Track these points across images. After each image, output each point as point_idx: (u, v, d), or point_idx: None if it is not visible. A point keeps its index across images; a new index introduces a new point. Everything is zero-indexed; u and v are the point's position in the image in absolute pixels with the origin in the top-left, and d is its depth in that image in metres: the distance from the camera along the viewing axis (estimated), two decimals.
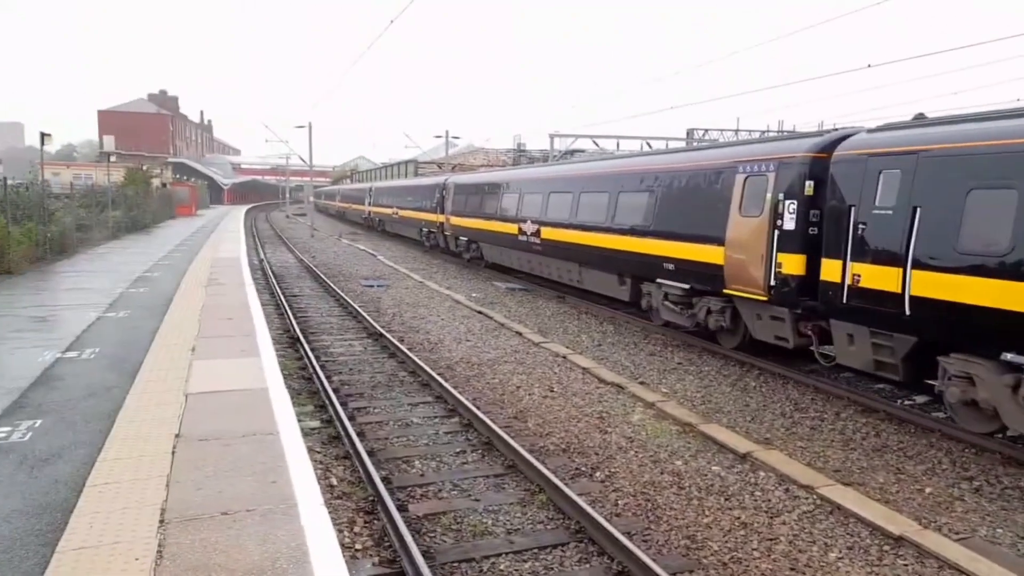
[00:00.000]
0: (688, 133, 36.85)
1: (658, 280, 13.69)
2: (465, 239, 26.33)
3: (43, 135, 21.67)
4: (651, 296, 14.32)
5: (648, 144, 35.48)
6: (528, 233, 19.53)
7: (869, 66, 17.32)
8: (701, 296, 12.68)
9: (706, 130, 37.09)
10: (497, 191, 22.66)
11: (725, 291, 11.67)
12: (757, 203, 10.98)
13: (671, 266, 13.11)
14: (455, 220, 27.05)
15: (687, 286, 12.84)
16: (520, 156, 45.36)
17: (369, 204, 47.55)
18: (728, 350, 12.57)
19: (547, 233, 18.43)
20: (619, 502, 6.76)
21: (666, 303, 13.60)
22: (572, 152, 37.71)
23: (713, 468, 7.54)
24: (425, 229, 32.37)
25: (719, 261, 11.67)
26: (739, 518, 6.42)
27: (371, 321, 14.75)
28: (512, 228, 20.65)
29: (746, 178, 11.33)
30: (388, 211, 41.45)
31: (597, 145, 37.34)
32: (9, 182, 20.59)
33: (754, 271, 10.87)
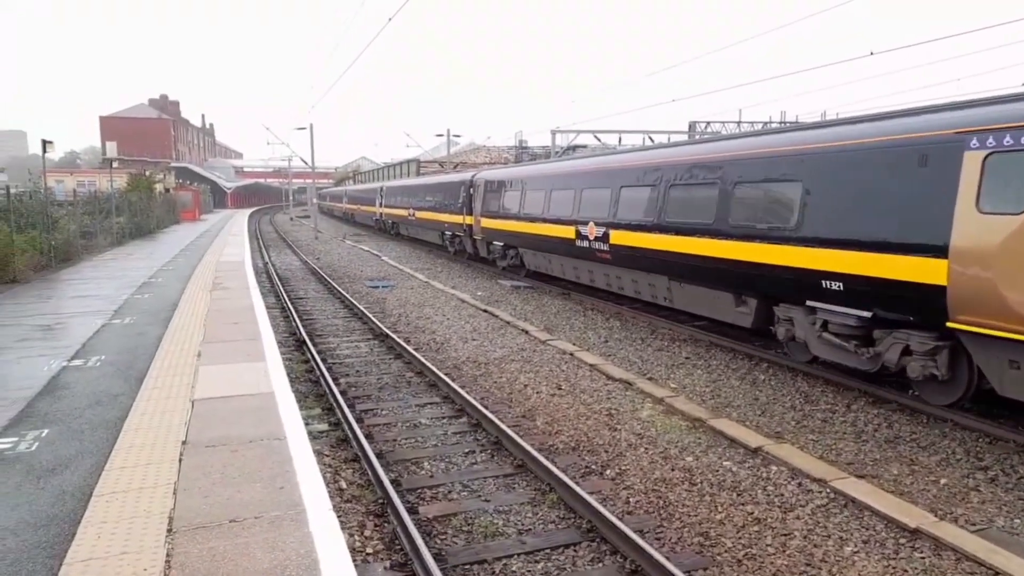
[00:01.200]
0: (691, 126, 36.69)
1: (809, 303, 10.17)
2: (500, 244, 22.77)
3: (45, 143, 21.67)
4: (794, 324, 10.80)
5: (650, 138, 35.30)
6: (591, 237, 16.01)
7: (872, 53, 17.18)
8: (890, 328, 9.21)
9: (708, 122, 36.94)
10: (544, 187, 19.05)
11: (949, 324, 8.13)
12: (1018, 193, 7.46)
13: (836, 284, 9.46)
14: (487, 222, 23.41)
15: (866, 313, 9.26)
16: (522, 153, 45.32)
17: (381, 205, 44.08)
18: (897, 393, 9.73)
19: (619, 237, 14.86)
20: (630, 500, 6.70)
21: (825, 335, 10.06)
22: (574, 148, 37.53)
23: (724, 463, 7.47)
24: (448, 233, 28.66)
25: (936, 280, 8.11)
26: (752, 513, 6.35)
27: (377, 322, 14.71)
28: (566, 231, 17.22)
29: (989, 155, 7.72)
30: (403, 213, 37.67)
31: (599, 140, 37.18)
32: (12, 190, 20.62)
33: (1015, 296, 7.39)
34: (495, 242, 23.26)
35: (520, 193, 20.60)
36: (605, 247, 15.52)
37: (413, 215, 34.95)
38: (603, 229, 15.52)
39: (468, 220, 25.61)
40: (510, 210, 21.25)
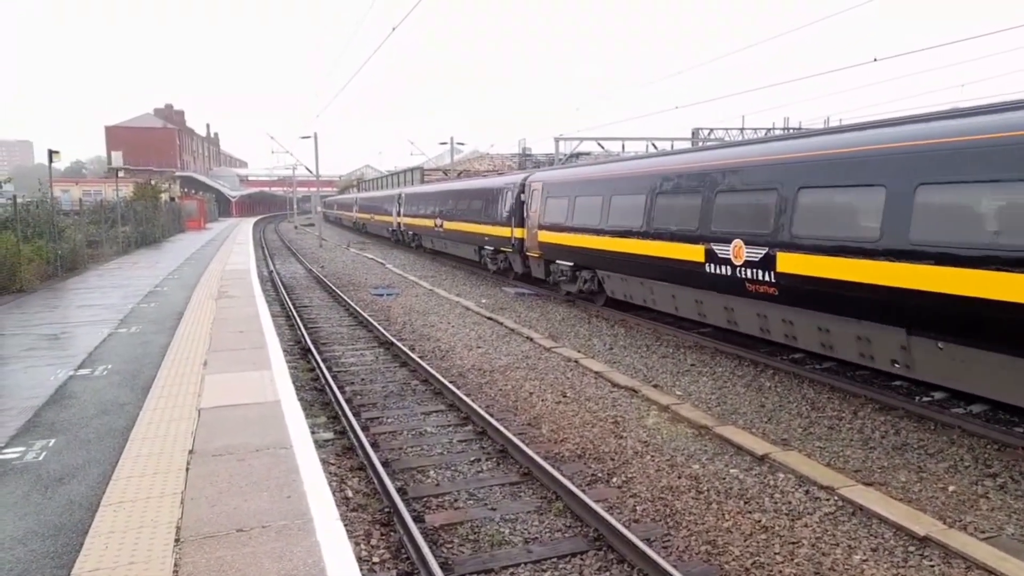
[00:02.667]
0: (693, 133, 36.71)
1: None
2: (568, 264, 18.08)
3: (51, 152, 21.82)
4: None
5: (654, 145, 35.34)
6: (736, 262, 11.33)
7: (875, 60, 17.19)
8: None
9: (711, 129, 36.96)
10: (645, 191, 14.27)
11: None
12: None
13: None
14: (549, 236, 18.63)
15: None
16: (525, 160, 45.28)
17: (399, 214, 38.89)
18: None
19: (795, 264, 10.23)
20: (637, 508, 6.68)
21: None
22: (577, 155, 37.58)
23: (731, 471, 7.45)
24: (488, 248, 24.02)
25: None
26: (760, 521, 6.32)
27: (381, 330, 14.72)
28: (686, 251, 12.65)
29: None
30: (426, 223, 32.38)
31: (602, 147, 37.22)
32: (19, 200, 20.73)
33: None
34: (559, 261, 18.42)
35: (602, 199, 15.97)
36: (767, 276, 10.77)
37: (440, 226, 29.84)
38: (762, 250, 10.83)
39: (518, 233, 20.97)
40: (586, 221, 16.61)
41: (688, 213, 12.80)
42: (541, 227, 19.11)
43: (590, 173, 17.69)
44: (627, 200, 14.97)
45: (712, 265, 11.99)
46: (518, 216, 20.94)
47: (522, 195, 20.81)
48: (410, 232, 37.34)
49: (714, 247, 11.92)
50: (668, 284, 13.88)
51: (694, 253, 12.46)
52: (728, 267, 11.58)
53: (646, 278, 14.62)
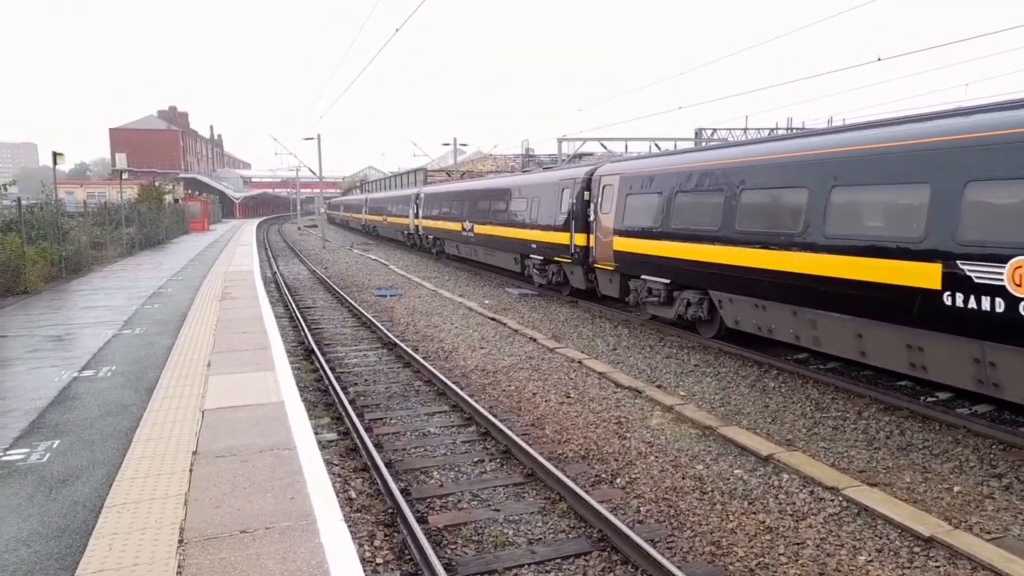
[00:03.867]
0: (696, 133, 36.67)
1: None
2: (663, 282, 13.92)
3: (55, 155, 21.86)
4: None
5: (657, 145, 35.34)
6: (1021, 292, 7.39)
7: (879, 59, 17.15)
8: None
9: (714, 129, 36.91)
10: (811, 184, 10.17)
11: None
12: None
13: None
14: (628, 244, 14.77)
15: None
16: (529, 161, 45.21)
17: (417, 216, 34.90)
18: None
19: None
20: (641, 509, 6.67)
21: None
22: (580, 156, 37.58)
23: (735, 471, 7.43)
24: (535, 257, 20.19)
25: None
26: (764, 522, 6.30)
27: (385, 331, 14.73)
28: (903, 273, 8.63)
29: None
30: (451, 226, 28.59)
31: (605, 148, 37.20)
32: (24, 202, 20.79)
33: None
34: (646, 277, 14.45)
35: (724, 197, 11.96)
36: None
37: (469, 230, 26.00)
38: None
39: (579, 240, 17.19)
40: (694, 225, 12.70)
41: (904, 214, 8.75)
42: (618, 232, 15.11)
43: (703, 161, 13.08)
44: (773, 196, 11.00)
45: (957, 294, 7.98)
46: (580, 219, 17.09)
47: (586, 192, 17.00)
48: (430, 236, 33.11)
49: (964, 267, 7.88)
50: (850, 318, 9.62)
51: (918, 275, 8.40)
52: (994, 298, 7.60)
53: (804, 306, 10.39)
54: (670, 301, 13.96)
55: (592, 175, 16.94)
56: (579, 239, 17.27)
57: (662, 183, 13.99)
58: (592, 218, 16.68)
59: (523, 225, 20.83)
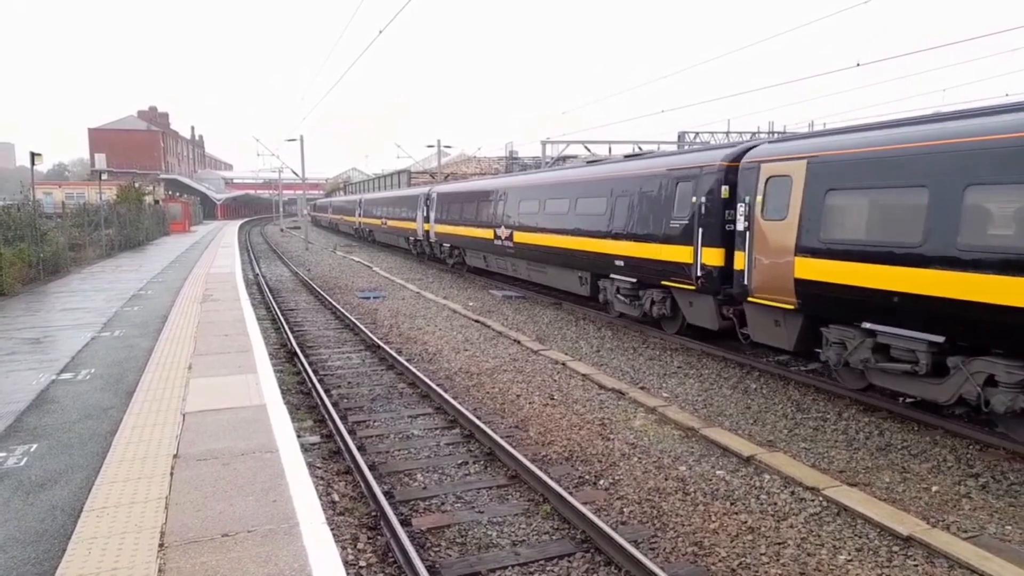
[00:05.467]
0: (679, 136, 36.92)
1: None
2: (927, 343, 8.39)
3: (33, 155, 21.57)
4: None
5: (639, 148, 35.54)
6: None
7: (858, 64, 17.37)
8: None
9: (697, 133, 37.18)
10: None
11: None
12: None
13: None
14: (832, 271, 9.48)
15: None
16: (513, 164, 45.23)
17: (427, 220, 29.91)
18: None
19: None
20: (624, 510, 6.69)
21: None
22: (564, 158, 37.68)
23: (717, 472, 7.48)
24: (625, 279, 14.83)
25: None
26: (746, 522, 6.36)
27: (368, 333, 14.67)
28: None
29: None
30: (476, 233, 23.46)
31: (589, 150, 37.35)
32: (0, 203, 20.50)
33: None
34: (874, 326, 9.08)
35: None
36: None
37: (506, 238, 20.74)
38: None
39: (710, 257, 11.97)
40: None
41: None
42: (805, 251, 9.84)
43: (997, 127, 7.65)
44: None
45: None
46: (714, 227, 11.87)
47: (723, 188, 11.73)
48: (445, 245, 28.01)
49: None
50: None
51: None
52: None
53: None
54: (936, 370, 8.43)
55: (739, 161, 11.48)
56: (710, 256, 11.92)
57: (932, 168, 8.22)
58: (744, 226, 11.04)
59: (599, 233, 15.47)
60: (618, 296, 15.34)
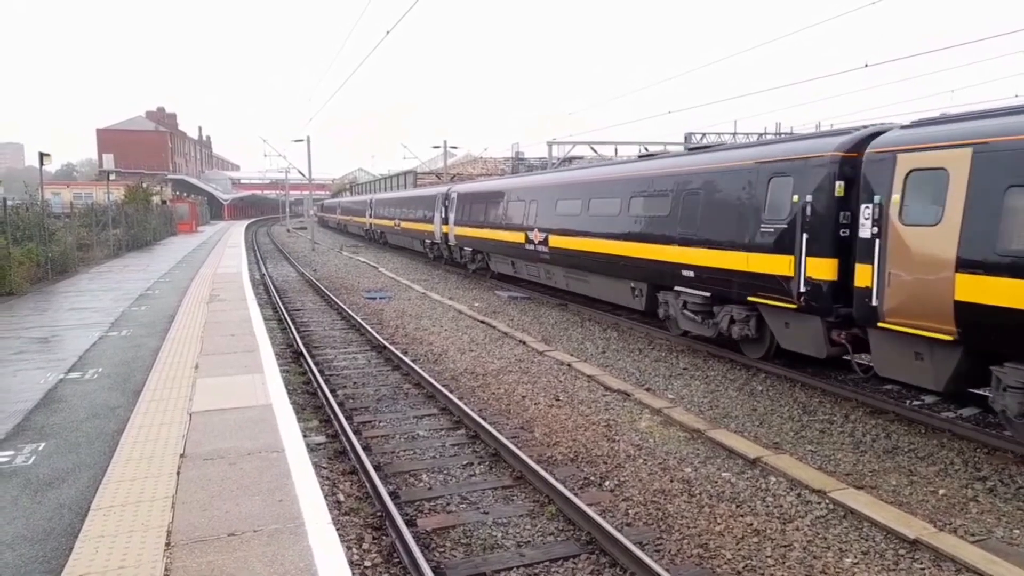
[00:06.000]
0: (686, 137, 36.86)
1: None
2: None
3: (42, 155, 21.69)
4: None
5: (646, 148, 35.50)
6: None
7: (866, 65, 17.31)
8: None
9: (704, 134, 37.11)
10: None
11: None
12: None
13: None
14: None
15: None
16: (519, 164, 45.16)
17: (446, 222, 27.72)
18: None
19: None
20: (629, 511, 6.68)
21: None
22: (571, 159, 37.65)
23: (723, 474, 7.47)
24: (694, 293, 12.70)
25: None
26: (752, 525, 6.34)
27: (374, 334, 14.69)
28: None
29: None
30: (503, 237, 21.42)
31: (595, 151, 37.33)
32: (9, 203, 20.61)
33: None
34: None
35: None
36: None
37: (540, 243, 18.66)
38: None
39: (817, 269, 10.03)
40: None
41: None
42: (971, 267, 7.83)
43: None
44: None
45: None
46: (825, 233, 9.86)
47: (837, 184, 9.72)
48: (466, 249, 25.98)
49: None
50: None
51: None
52: None
53: None
54: None
55: (861, 151, 9.43)
56: (819, 268, 9.94)
57: None
58: (872, 232, 9.04)
59: (660, 239, 13.38)
60: (684, 312, 12.95)
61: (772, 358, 11.62)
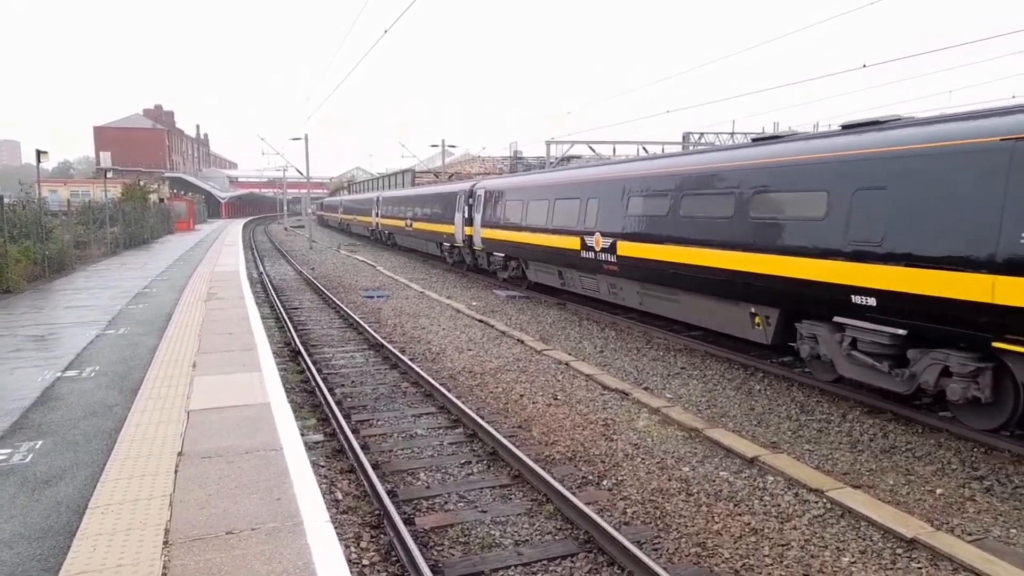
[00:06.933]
0: (684, 137, 36.89)
1: None
2: None
3: (39, 153, 21.65)
4: None
5: (645, 149, 35.52)
6: None
7: (864, 66, 17.31)
8: None
9: (702, 133, 37.14)
10: None
11: None
12: None
13: None
14: None
15: None
16: (517, 164, 44.98)
17: (467, 223, 24.92)
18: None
19: None
20: (627, 510, 6.69)
21: None
22: (568, 159, 37.64)
23: (721, 473, 7.48)
24: (884, 331, 8.83)
25: None
26: (749, 524, 6.35)
27: (372, 332, 14.68)
28: None
29: None
30: (548, 241, 18.17)
31: (593, 151, 37.34)
32: (5, 200, 20.56)
33: None
34: None
35: None
36: None
37: (606, 250, 15.29)
38: None
39: None
40: None
41: None
42: None
43: None
44: None
45: None
46: None
47: None
48: (496, 254, 22.77)
49: None
50: None
51: None
52: None
53: None
54: None
55: None
56: None
57: None
58: None
59: (810, 250, 9.85)
60: (853, 354, 9.44)
61: (1013, 428, 8.20)
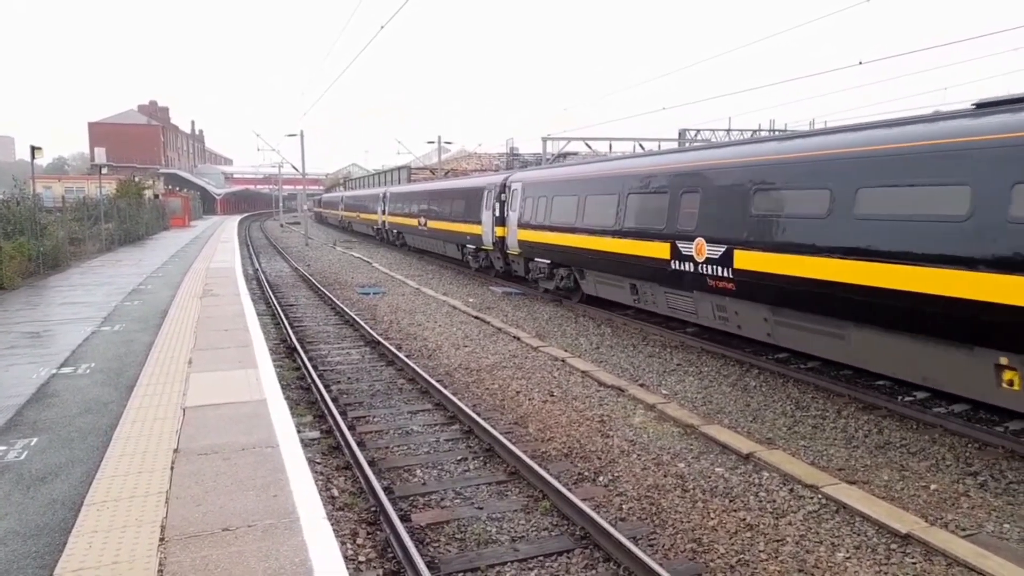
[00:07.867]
0: (680, 134, 36.88)
1: None
2: None
3: (33, 148, 21.55)
4: None
5: (641, 145, 35.51)
6: None
7: (860, 63, 17.35)
8: None
9: (698, 130, 37.14)
10: None
11: None
12: None
13: None
14: None
15: None
16: (513, 160, 44.78)
17: (498, 223, 21.63)
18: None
19: None
20: (623, 506, 6.71)
21: None
22: (565, 155, 37.60)
23: (716, 470, 7.50)
24: None
25: None
26: (745, 520, 6.37)
27: (368, 329, 14.68)
28: None
29: None
30: (618, 247, 14.60)
31: (590, 147, 37.30)
32: (0, 197, 20.49)
33: None
34: None
35: None
36: None
37: (711, 263, 11.74)
38: None
39: None
40: None
41: None
42: None
43: None
44: None
45: None
46: None
47: None
48: (540, 261, 19.08)
49: None
50: None
51: None
52: None
53: None
54: None
55: None
56: None
57: None
58: None
59: None
60: None
61: None
